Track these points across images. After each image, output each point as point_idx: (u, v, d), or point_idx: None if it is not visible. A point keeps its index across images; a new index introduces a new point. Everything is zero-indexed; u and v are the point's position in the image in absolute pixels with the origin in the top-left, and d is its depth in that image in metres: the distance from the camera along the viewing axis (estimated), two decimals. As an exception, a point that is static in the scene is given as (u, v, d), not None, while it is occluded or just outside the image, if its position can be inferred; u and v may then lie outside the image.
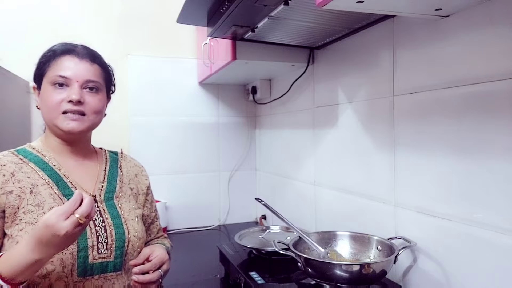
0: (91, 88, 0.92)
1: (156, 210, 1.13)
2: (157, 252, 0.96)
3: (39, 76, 0.93)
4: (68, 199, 0.87)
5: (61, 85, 0.89)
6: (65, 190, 0.89)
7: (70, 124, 0.89)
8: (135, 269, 0.89)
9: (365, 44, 1.25)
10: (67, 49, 0.92)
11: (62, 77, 0.89)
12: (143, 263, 0.92)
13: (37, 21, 1.85)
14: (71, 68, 0.90)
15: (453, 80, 0.93)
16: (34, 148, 0.93)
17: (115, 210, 0.94)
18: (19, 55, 1.71)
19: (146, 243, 1.08)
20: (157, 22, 2.05)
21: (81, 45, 0.95)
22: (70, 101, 0.88)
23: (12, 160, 0.88)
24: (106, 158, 1.05)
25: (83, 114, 0.90)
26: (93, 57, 0.94)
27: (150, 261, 0.93)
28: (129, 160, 1.10)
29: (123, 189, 1.01)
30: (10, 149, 0.93)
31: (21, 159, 0.89)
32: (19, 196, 0.84)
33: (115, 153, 1.09)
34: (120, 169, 1.05)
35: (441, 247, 0.97)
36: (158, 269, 0.93)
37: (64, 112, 0.88)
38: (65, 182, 0.90)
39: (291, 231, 1.45)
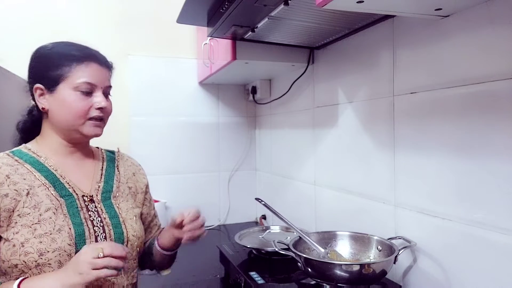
0: (106, 93, 0.94)
1: (154, 208, 1.15)
2: (188, 209, 1.00)
3: (53, 78, 0.88)
4: (65, 200, 0.87)
5: (87, 91, 0.90)
6: (62, 191, 0.88)
7: (96, 129, 0.92)
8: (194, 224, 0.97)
9: (365, 44, 1.25)
10: (91, 55, 0.92)
11: (90, 84, 0.89)
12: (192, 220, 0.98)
13: (36, 21, 1.85)
14: (96, 75, 0.91)
15: (453, 80, 0.93)
16: (29, 149, 0.92)
17: (113, 210, 0.94)
18: (18, 54, 1.70)
19: (147, 242, 1.09)
20: (157, 22, 2.04)
21: (95, 50, 0.95)
22: (98, 108, 0.91)
23: (7, 162, 0.86)
24: (103, 158, 1.04)
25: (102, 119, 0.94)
26: (108, 63, 0.96)
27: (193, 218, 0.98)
28: (126, 159, 1.09)
29: (121, 189, 1.00)
30: (10, 149, 0.92)
31: (16, 160, 0.88)
32: (14, 199, 0.82)
33: (112, 152, 1.08)
34: (117, 168, 1.04)
35: (441, 247, 0.97)
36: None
37: (89, 119, 0.90)
38: (61, 182, 0.89)
39: (291, 231, 1.45)
